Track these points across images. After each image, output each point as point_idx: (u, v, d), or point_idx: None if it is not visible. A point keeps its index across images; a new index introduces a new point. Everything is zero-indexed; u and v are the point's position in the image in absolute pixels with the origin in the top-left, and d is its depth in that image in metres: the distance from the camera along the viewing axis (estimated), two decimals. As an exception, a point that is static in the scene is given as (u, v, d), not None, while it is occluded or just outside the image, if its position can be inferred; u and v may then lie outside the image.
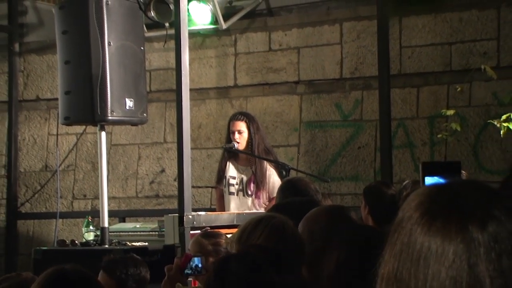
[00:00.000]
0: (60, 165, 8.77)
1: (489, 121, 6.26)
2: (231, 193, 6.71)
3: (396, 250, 1.27)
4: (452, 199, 1.26)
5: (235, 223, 5.85)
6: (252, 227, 3.14)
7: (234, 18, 8.17)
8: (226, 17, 8.04)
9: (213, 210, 7.10)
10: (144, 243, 6.30)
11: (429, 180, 1.86)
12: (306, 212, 3.47)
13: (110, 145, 8.34)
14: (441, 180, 1.82)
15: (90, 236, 6.41)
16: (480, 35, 7.45)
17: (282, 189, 5.28)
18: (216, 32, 8.32)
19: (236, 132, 6.57)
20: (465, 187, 1.31)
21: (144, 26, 7.01)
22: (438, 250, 1.22)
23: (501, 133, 6.00)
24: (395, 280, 1.25)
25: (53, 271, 2.66)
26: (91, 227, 6.47)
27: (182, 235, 5.62)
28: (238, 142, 6.55)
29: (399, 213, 1.30)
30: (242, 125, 6.59)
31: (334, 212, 3.42)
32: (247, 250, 2.80)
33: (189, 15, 7.18)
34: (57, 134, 9.04)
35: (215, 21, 7.99)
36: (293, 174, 6.37)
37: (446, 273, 1.20)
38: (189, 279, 3.87)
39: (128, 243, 6.32)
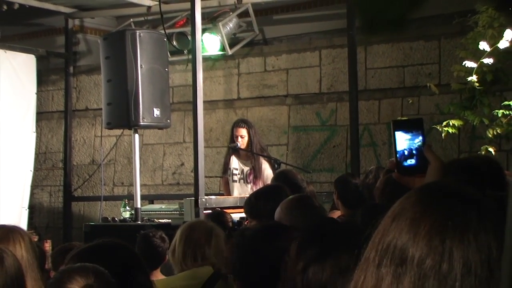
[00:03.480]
0: (104, 160, 8.81)
1: (433, 126, 6.24)
2: (234, 181, 6.69)
3: (389, 211, 1.21)
4: (439, 190, 1.22)
5: (238, 204, 5.88)
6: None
7: (237, 46, 8.18)
8: (231, 46, 8.03)
9: (222, 194, 7.10)
10: (168, 220, 6.32)
11: (398, 134, 1.80)
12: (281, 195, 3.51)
13: (141, 144, 8.36)
14: (407, 134, 1.81)
15: (126, 215, 6.44)
16: (426, 60, 7.46)
17: (275, 178, 5.29)
18: (223, 57, 8.31)
19: (239, 137, 6.54)
20: (446, 184, 1.26)
21: (168, 52, 7.03)
22: (414, 217, 1.16)
23: (443, 135, 5.99)
24: (382, 227, 1.20)
25: (96, 243, 2.65)
26: (127, 208, 6.49)
27: (197, 214, 5.64)
28: (241, 144, 6.55)
29: (396, 204, 1.22)
30: (243, 131, 6.55)
31: (301, 202, 3.41)
32: (260, 225, 2.76)
33: (202, 44, 7.20)
34: (101, 136, 9.11)
35: (222, 48, 7.98)
36: (283, 167, 6.42)
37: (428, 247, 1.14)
38: None
39: (155, 220, 6.37)
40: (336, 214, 4.85)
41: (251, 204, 3.93)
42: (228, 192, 6.73)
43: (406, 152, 1.81)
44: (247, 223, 4.84)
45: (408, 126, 1.84)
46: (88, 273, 1.96)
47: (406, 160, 1.81)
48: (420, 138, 1.81)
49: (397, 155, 1.81)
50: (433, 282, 1.13)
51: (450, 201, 1.18)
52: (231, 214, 5.11)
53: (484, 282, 1.13)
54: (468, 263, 1.13)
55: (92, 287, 1.93)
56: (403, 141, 1.81)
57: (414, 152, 1.81)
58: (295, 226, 3.03)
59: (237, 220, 5.07)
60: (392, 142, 1.81)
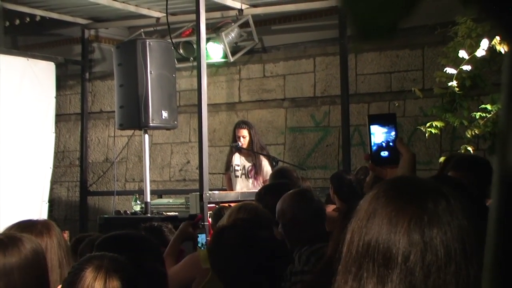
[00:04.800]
0: (116, 158, 8.81)
1: (417, 127, 6.25)
2: (236, 176, 6.68)
3: (365, 215, 1.18)
4: (407, 187, 1.21)
5: (239, 199, 5.87)
6: (236, 210, 3.17)
7: (239, 54, 8.17)
8: (233, 53, 8.02)
9: (224, 190, 7.10)
10: (175, 213, 6.30)
11: (373, 127, 1.78)
12: (286, 191, 3.52)
13: (151, 144, 8.36)
14: (382, 128, 1.79)
15: (137, 208, 6.43)
16: (411, 66, 7.46)
17: (273, 174, 5.32)
18: (226, 64, 8.31)
19: (241, 137, 6.55)
20: (412, 180, 1.25)
21: (175, 60, 7.03)
22: (398, 217, 1.15)
23: (426, 135, 5.98)
24: (365, 233, 1.17)
25: (112, 234, 2.66)
26: (138, 202, 6.48)
27: (202, 208, 5.64)
28: (242, 143, 6.56)
29: (364, 204, 1.21)
30: (244, 132, 6.55)
31: (302, 195, 3.45)
32: (234, 222, 2.80)
33: (207, 52, 7.20)
34: (114, 136, 9.10)
35: (225, 56, 7.97)
36: (280, 164, 6.42)
37: (405, 231, 1.13)
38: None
39: (164, 213, 6.36)
40: (331, 207, 4.86)
41: (260, 196, 3.97)
42: (231, 188, 6.73)
43: (380, 145, 1.79)
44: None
45: (382, 120, 1.82)
46: (103, 258, 1.99)
47: (380, 152, 1.79)
48: (394, 132, 1.80)
49: (372, 147, 1.80)
50: (419, 277, 1.11)
51: (421, 197, 1.16)
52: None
53: (464, 267, 1.12)
54: (449, 250, 1.12)
55: (102, 267, 1.94)
56: (378, 134, 1.80)
57: (387, 144, 1.79)
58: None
59: None
60: (368, 134, 1.79)
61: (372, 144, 1.79)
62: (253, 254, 2.35)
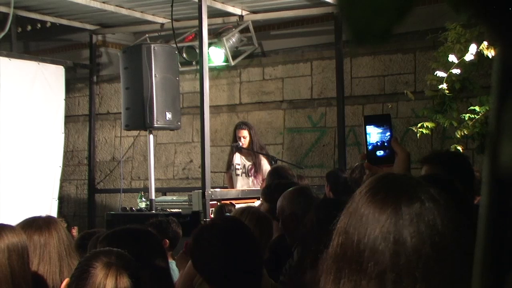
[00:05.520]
0: (123, 157, 8.81)
1: (409, 127, 6.25)
2: (237, 175, 6.68)
3: (348, 213, 1.18)
4: (390, 183, 1.20)
5: (239, 196, 5.88)
6: (239, 213, 3.17)
7: (239, 58, 8.16)
8: (234, 57, 8.02)
9: (225, 187, 7.10)
10: (178, 210, 6.27)
11: (369, 128, 1.77)
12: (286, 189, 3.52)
13: (155, 144, 8.36)
14: (377, 128, 1.78)
15: (142, 205, 6.41)
16: (403, 70, 7.46)
17: (270, 173, 5.32)
18: (227, 68, 8.31)
19: (241, 137, 6.55)
20: (401, 177, 1.24)
21: (178, 63, 7.02)
22: (375, 215, 1.14)
23: (418, 136, 6.00)
24: (344, 232, 1.17)
25: (120, 228, 2.67)
26: (143, 199, 6.47)
27: (204, 205, 5.64)
28: (242, 143, 6.57)
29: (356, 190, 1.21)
30: (245, 132, 6.55)
31: (301, 193, 3.46)
32: (214, 221, 2.75)
33: (209, 56, 7.20)
34: (121, 136, 9.10)
35: (226, 60, 7.97)
36: (278, 163, 6.42)
37: (380, 230, 1.13)
38: None
39: (168, 209, 6.35)
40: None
41: (267, 191, 4.01)
42: (232, 186, 6.73)
43: (376, 144, 1.79)
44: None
45: (378, 121, 1.82)
46: (111, 255, 1.98)
47: (376, 151, 1.79)
48: (389, 132, 1.80)
49: (368, 147, 1.79)
50: (391, 275, 1.09)
51: (396, 198, 1.15)
52: (235, 204, 5.11)
53: (436, 268, 1.10)
54: (418, 252, 1.10)
55: (112, 264, 1.94)
56: (374, 134, 1.79)
57: (383, 144, 1.79)
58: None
59: None
60: (364, 134, 1.79)
61: (368, 143, 1.79)
62: (231, 252, 2.31)
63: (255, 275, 2.34)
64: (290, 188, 3.50)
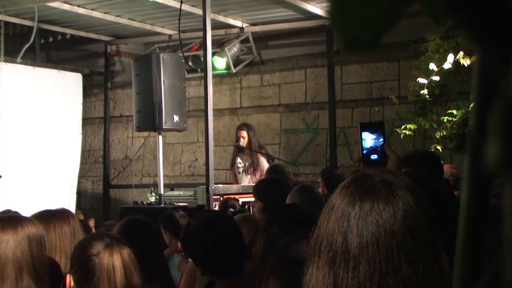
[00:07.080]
0: (134, 156, 8.80)
1: (394, 129, 6.25)
2: (239, 172, 6.67)
3: (326, 207, 1.15)
4: (361, 181, 1.15)
5: (240, 191, 5.86)
6: (240, 221, 3.18)
7: (240, 66, 8.16)
8: (235, 65, 8.01)
9: (228, 183, 7.09)
10: (185, 204, 6.25)
11: (364, 134, 1.77)
12: (281, 184, 3.50)
13: (164, 144, 8.35)
14: (371, 134, 1.79)
15: (152, 199, 6.39)
16: (388, 77, 7.46)
17: (268, 170, 5.30)
18: (229, 74, 8.30)
19: (241, 137, 6.54)
20: (375, 175, 1.18)
21: (185, 71, 7.02)
22: (342, 206, 1.11)
23: (401, 136, 6.00)
24: (321, 224, 1.14)
25: (129, 218, 2.69)
26: (153, 194, 6.45)
27: (208, 199, 5.61)
28: (242, 143, 6.57)
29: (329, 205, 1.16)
30: (245, 133, 6.54)
31: (307, 190, 3.49)
32: (201, 213, 2.74)
33: (212, 64, 7.20)
34: (132, 137, 9.09)
35: (228, 67, 7.97)
36: (276, 161, 6.41)
37: (337, 219, 1.10)
38: None
39: (175, 203, 6.32)
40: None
41: (258, 190, 3.97)
42: (236, 181, 6.71)
43: (370, 149, 1.80)
44: (247, 206, 4.84)
45: (372, 128, 1.82)
46: (103, 238, 1.99)
47: (370, 155, 1.79)
48: (382, 138, 1.80)
49: (363, 151, 1.79)
50: (364, 268, 1.06)
51: (361, 196, 1.12)
52: (238, 198, 5.11)
53: (383, 267, 1.06)
54: (363, 249, 1.07)
55: (111, 243, 1.94)
56: (369, 139, 1.80)
57: (377, 149, 1.79)
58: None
59: (242, 202, 5.07)
60: (359, 140, 1.79)
61: (363, 148, 1.79)
62: (215, 236, 2.37)
63: (237, 256, 2.38)
64: (296, 186, 3.50)
